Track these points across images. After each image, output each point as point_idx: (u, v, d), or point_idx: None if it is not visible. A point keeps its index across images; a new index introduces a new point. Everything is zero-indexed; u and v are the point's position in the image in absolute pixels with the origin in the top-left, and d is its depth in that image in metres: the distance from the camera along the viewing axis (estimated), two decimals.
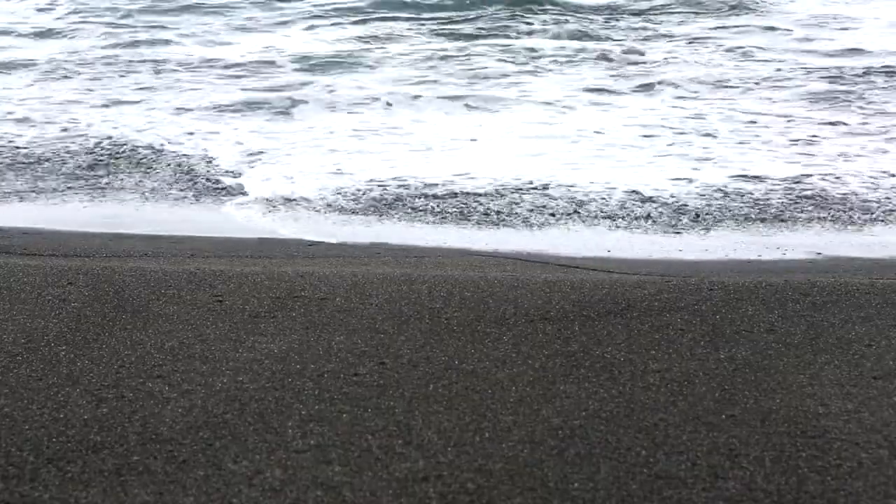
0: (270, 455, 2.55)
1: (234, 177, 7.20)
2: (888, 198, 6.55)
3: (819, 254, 5.52)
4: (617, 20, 13.70)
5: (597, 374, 3.07)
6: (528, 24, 13.30)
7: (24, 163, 7.62)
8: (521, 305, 3.72)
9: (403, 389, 2.95)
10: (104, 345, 3.30)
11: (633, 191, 6.70)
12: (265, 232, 6.02)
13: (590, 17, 13.79)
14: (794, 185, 6.77)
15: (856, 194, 6.61)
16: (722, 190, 6.73)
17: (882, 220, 6.21)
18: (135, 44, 12.18)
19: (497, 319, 3.57)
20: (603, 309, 3.67)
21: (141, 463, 2.51)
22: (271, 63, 11.04)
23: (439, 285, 3.99)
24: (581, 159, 7.56)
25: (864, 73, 10.14)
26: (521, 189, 6.78)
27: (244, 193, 6.86)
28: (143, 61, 11.25)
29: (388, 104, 9.25)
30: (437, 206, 6.54)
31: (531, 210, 6.44)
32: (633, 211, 6.41)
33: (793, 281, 4.04)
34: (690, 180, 6.97)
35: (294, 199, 6.69)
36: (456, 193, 6.73)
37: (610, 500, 2.36)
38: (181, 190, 6.96)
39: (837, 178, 6.94)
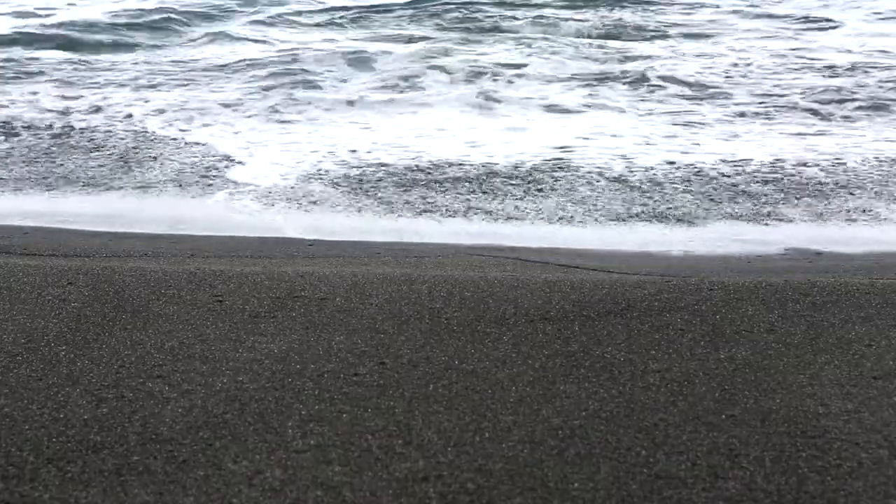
0: (270, 455, 2.55)
1: (236, 165, 7.44)
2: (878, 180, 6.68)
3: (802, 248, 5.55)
4: (613, 9, 13.84)
5: (597, 374, 3.07)
6: (517, 17, 13.45)
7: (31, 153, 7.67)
8: (521, 305, 3.72)
9: (403, 389, 2.95)
10: (104, 345, 3.30)
11: (617, 177, 6.85)
12: (265, 224, 6.13)
13: (586, 6, 13.95)
14: (774, 173, 6.92)
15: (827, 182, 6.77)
16: (706, 175, 6.89)
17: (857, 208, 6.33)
18: (158, 45, 12.38)
19: (497, 319, 3.57)
20: (603, 309, 3.67)
21: (141, 463, 2.51)
22: (285, 61, 11.17)
23: (439, 285, 3.98)
24: (571, 144, 7.75)
25: (856, 68, 10.24)
26: (509, 174, 7.00)
27: (245, 182, 7.02)
28: (164, 60, 11.41)
29: (389, 99, 9.45)
30: (429, 189, 6.75)
31: (523, 191, 6.63)
32: (611, 195, 6.56)
33: (793, 281, 4.04)
34: (673, 163, 7.19)
35: (291, 187, 6.85)
36: (448, 180, 6.91)
37: (610, 500, 2.36)
38: (185, 177, 7.10)
39: (806, 164, 7.15)
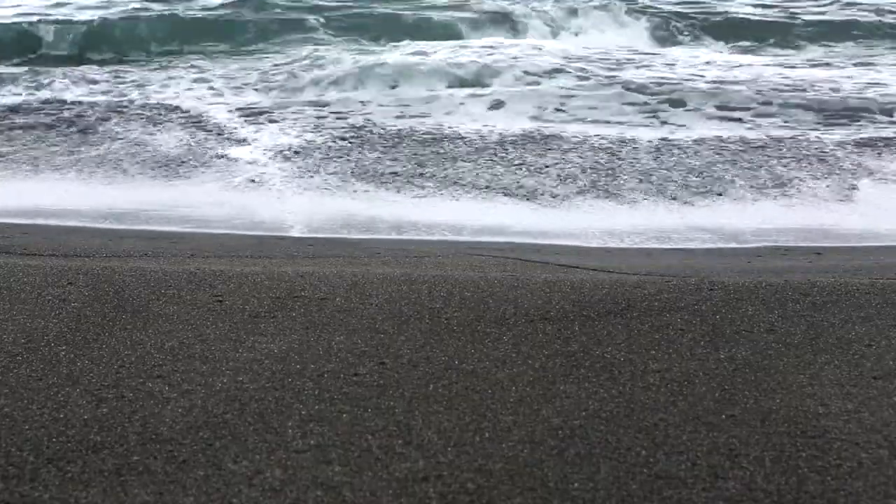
0: (270, 455, 2.55)
1: (242, 144, 8.10)
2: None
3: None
4: None
5: (597, 374, 3.07)
6: None
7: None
8: (521, 305, 3.72)
9: (403, 389, 2.95)
10: (104, 345, 3.30)
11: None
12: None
13: None
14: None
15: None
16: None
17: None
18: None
19: (497, 319, 3.57)
20: (603, 309, 3.67)
21: (141, 463, 2.51)
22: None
23: (439, 285, 3.98)
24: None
25: None
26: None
27: (251, 158, 7.69)
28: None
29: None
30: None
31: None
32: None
33: (793, 281, 4.04)
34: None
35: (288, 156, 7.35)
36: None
37: (610, 500, 2.36)
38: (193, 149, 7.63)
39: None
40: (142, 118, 8.97)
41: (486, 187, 6.99)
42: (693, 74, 10.24)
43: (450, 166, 7.44)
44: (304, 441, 2.62)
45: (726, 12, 13.48)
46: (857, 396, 2.92)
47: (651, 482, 2.43)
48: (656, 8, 13.48)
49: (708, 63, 10.90)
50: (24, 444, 2.60)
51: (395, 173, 7.32)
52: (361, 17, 13.42)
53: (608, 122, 8.76)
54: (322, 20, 13.26)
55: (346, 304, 3.74)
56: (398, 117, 9.01)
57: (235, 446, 2.60)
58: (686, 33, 12.76)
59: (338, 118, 8.98)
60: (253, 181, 7.19)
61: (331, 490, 2.39)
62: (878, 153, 7.77)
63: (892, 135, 8.22)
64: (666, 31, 12.85)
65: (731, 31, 12.79)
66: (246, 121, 8.85)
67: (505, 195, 6.85)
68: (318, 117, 9.02)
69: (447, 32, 12.78)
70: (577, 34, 13.01)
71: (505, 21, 13.27)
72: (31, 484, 2.41)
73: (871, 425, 2.72)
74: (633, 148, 7.94)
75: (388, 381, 3.01)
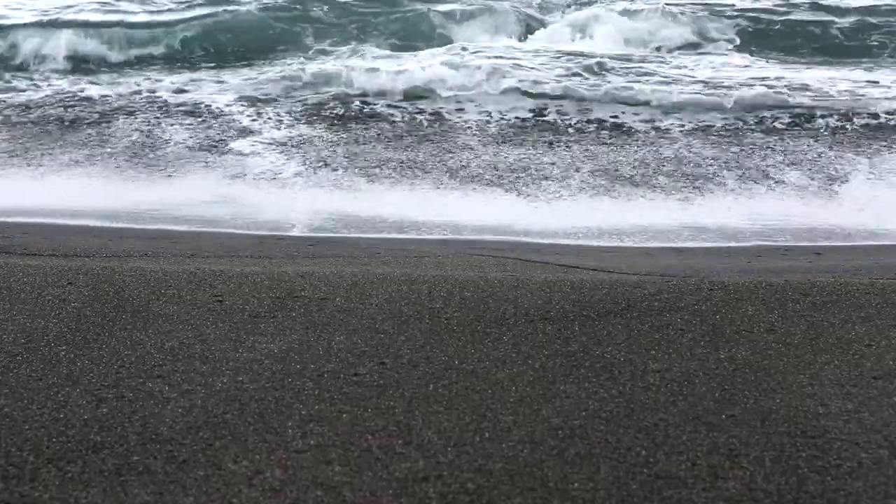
0: (270, 455, 2.55)
1: (246, 135, 8.29)
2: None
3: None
4: None
5: (597, 374, 3.07)
6: None
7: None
8: (521, 305, 3.72)
9: (403, 389, 2.95)
10: (104, 345, 3.30)
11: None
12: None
13: None
14: None
15: None
16: None
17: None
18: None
19: (497, 319, 3.57)
20: (603, 309, 3.67)
21: (141, 463, 2.51)
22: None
23: (439, 285, 3.98)
24: None
25: None
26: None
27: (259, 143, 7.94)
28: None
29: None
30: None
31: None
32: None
33: (793, 281, 4.04)
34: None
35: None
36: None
37: (610, 500, 2.36)
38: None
39: None
40: (142, 118, 8.96)
41: (489, 184, 6.98)
42: (692, 73, 10.22)
43: (449, 165, 7.43)
44: (304, 441, 2.62)
45: (735, 6, 13.42)
46: (857, 396, 2.92)
47: (651, 482, 2.43)
48: (654, 4, 13.45)
49: (708, 62, 10.88)
50: (24, 444, 2.60)
51: (395, 171, 7.31)
52: (362, 15, 13.37)
53: (607, 120, 8.74)
54: (322, 10, 13.19)
55: (346, 304, 3.74)
56: (398, 113, 9.00)
57: (235, 446, 2.60)
58: (686, 30, 12.71)
59: (338, 118, 8.97)
60: (253, 180, 7.18)
61: (331, 490, 2.39)
62: (880, 153, 7.77)
63: (893, 134, 8.21)
64: (666, 28, 12.80)
65: (736, 28, 12.74)
66: (245, 120, 8.82)
67: (505, 192, 6.83)
68: (319, 117, 9.00)
69: (444, 30, 12.73)
70: (572, 35, 12.93)
71: (506, 20, 13.21)
72: (31, 484, 2.41)
73: (871, 425, 2.72)
74: (633, 147, 7.94)
75: (388, 381, 3.01)
